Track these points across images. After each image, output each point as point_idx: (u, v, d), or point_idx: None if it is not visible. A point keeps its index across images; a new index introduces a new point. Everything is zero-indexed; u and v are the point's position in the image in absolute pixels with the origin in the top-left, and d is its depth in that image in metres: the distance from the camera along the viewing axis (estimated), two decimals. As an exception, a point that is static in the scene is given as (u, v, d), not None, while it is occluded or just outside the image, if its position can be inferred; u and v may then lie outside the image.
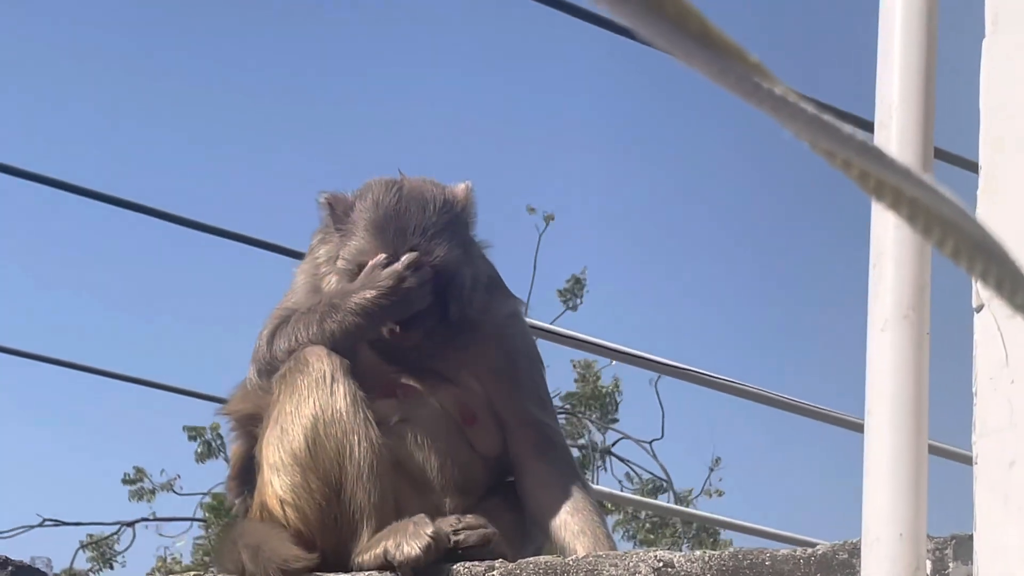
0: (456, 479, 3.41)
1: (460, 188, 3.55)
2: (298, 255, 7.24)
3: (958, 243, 0.83)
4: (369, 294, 3.35)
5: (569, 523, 3.41)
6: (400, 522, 3.23)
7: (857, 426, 6.60)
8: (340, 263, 3.49)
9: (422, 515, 3.22)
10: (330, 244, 3.56)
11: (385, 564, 3.19)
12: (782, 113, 0.78)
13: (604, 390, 16.92)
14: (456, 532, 3.24)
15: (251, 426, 3.50)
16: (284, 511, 3.31)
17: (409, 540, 3.15)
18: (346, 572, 3.27)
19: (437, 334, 3.45)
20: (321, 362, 3.36)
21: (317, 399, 3.33)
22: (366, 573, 3.23)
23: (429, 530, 3.16)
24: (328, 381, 3.34)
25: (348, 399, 3.33)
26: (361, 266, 3.44)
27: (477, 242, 3.61)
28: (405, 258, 3.38)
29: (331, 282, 3.50)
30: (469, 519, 3.28)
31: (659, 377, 14.71)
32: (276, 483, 3.33)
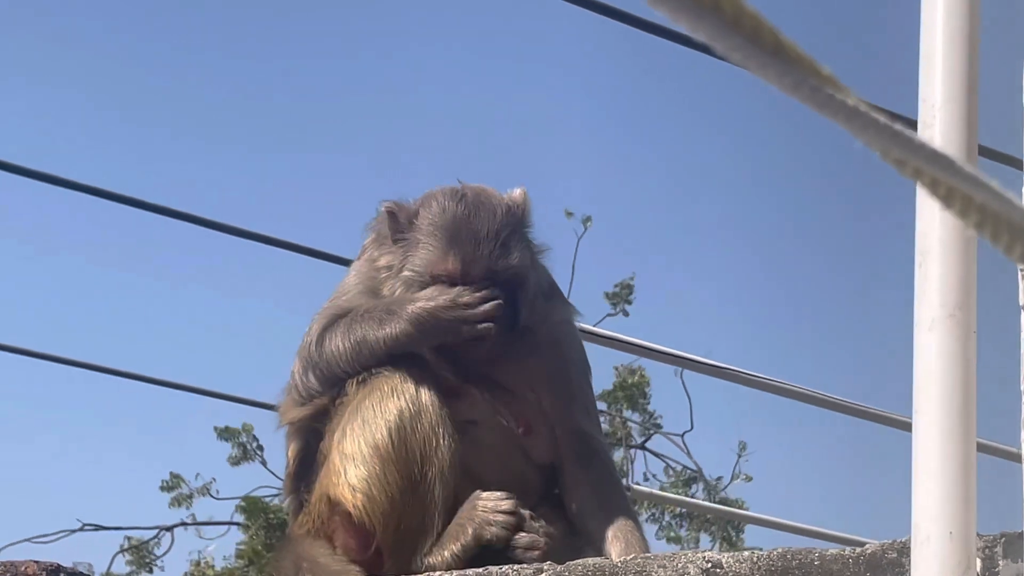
0: (513, 484, 3.43)
1: (517, 194, 3.56)
2: (328, 257, 7.30)
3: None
4: (442, 312, 3.36)
5: (605, 529, 3.45)
6: (472, 510, 3.32)
7: (902, 424, 6.60)
8: (408, 272, 3.48)
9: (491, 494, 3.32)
10: (391, 252, 3.54)
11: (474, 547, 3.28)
12: (855, 124, 0.79)
13: (632, 382, 16.97)
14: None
15: (309, 427, 3.54)
16: (354, 498, 3.34)
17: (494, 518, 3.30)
18: (405, 569, 3.31)
19: (504, 341, 3.47)
20: (404, 360, 3.40)
21: (403, 393, 3.37)
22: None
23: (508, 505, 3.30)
24: (413, 378, 3.39)
25: (433, 395, 3.38)
26: (433, 276, 3.44)
27: (536, 247, 3.62)
28: (487, 306, 3.38)
29: (395, 289, 3.49)
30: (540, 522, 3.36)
31: (683, 369, 14.73)
32: (351, 472, 3.36)
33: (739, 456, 17.56)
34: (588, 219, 16.80)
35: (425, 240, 3.46)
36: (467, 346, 3.44)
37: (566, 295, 3.90)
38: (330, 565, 3.33)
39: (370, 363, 3.41)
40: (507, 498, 3.32)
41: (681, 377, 16.51)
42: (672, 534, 16.77)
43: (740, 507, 15.78)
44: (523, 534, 3.32)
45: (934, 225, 2.42)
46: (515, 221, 3.49)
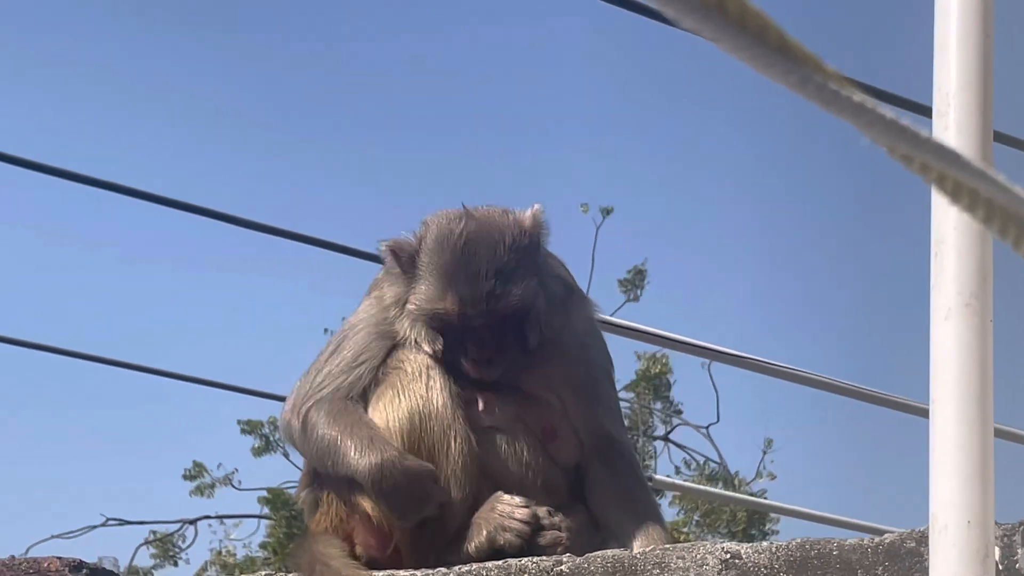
0: (537, 488, 3.43)
1: (528, 215, 3.48)
2: (352, 252, 7.31)
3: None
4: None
5: (627, 523, 3.45)
6: (489, 511, 3.33)
7: (919, 410, 6.59)
8: (412, 307, 3.45)
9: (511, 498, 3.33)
10: (397, 286, 3.51)
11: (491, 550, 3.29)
12: (861, 120, 0.79)
13: (655, 372, 16.94)
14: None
15: None
16: (372, 495, 3.34)
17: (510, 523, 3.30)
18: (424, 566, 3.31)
19: (518, 364, 3.47)
20: (417, 359, 3.40)
21: (415, 396, 3.38)
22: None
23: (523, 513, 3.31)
24: (424, 377, 3.39)
25: (446, 395, 3.38)
26: (435, 314, 3.42)
27: (547, 258, 3.56)
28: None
29: (404, 326, 3.47)
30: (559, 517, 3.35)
31: (711, 362, 14.71)
32: None
33: (764, 453, 17.52)
34: (609, 209, 16.80)
35: (424, 276, 3.44)
36: (484, 373, 3.44)
37: (586, 288, 3.87)
38: (343, 570, 3.32)
39: (335, 471, 3.41)
40: (524, 505, 3.31)
41: (708, 369, 16.52)
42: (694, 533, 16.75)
43: (762, 497, 15.75)
44: (545, 533, 3.31)
45: (950, 214, 2.41)
46: (521, 246, 3.42)
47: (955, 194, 0.83)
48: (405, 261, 3.48)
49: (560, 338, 3.54)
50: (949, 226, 2.41)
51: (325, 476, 3.53)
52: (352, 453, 3.32)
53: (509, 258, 3.40)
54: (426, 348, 3.44)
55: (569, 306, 3.60)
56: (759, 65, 0.75)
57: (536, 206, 3.51)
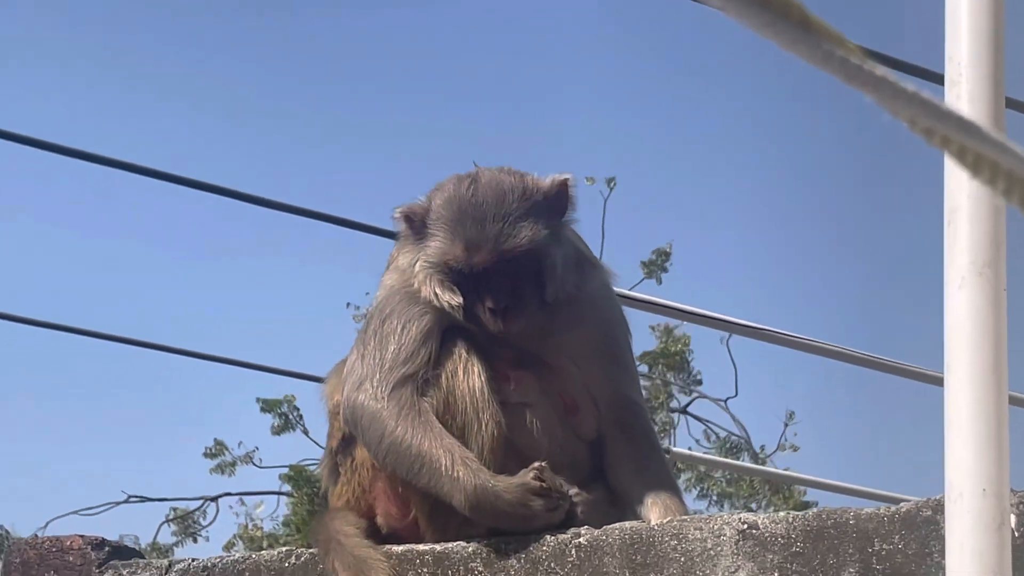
0: (563, 463, 3.44)
1: (549, 178, 3.50)
2: (371, 230, 7.32)
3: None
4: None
5: (644, 494, 3.46)
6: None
7: (936, 379, 6.59)
8: (423, 263, 3.45)
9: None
10: (410, 250, 3.51)
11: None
12: (883, 94, 0.80)
13: (674, 348, 16.94)
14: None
15: None
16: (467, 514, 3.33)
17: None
18: (442, 538, 3.33)
19: (537, 319, 3.46)
20: (456, 342, 3.41)
21: (449, 375, 3.39)
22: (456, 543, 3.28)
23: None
24: (462, 359, 3.40)
25: (478, 379, 3.39)
26: (446, 264, 3.42)
27: (566, 223, 3.57)
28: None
29: (420, 282, 3.48)
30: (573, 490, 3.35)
31: (730, 335, 14.72)
32: None
33: (786, 425, 17.51)
34: (612, 180, 16.79)
35: (434, 230, 3.44)
36: (505, 326, 3.39)
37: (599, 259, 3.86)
38: (355, 550, 3.33)
39: (415, 480, 3.37)
40: (542, 478, 3.27)
41: (727, 344, 16.52)
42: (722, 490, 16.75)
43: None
44: (563, 505, 3.30)
45: (963, 183, 2.42)
46: (531, 201, 3.43)
47: (975, 167, 0.85)
48: (417, 224, 3.49)
49: (577, 302, 3.53)
50: (963, 195, 2.42)
51: (347, 446, 3.54)
52: (444, 473, 3.29)
53: (518, 206, 3.41)
54: (445, 301, 3.44)
55: (584, 271, 3.59)
56: (784, 41, 0.77)
57: (566, 175, 3.54)
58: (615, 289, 3.83)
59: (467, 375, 3.40)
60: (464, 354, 3.42)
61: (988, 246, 2.40)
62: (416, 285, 3.47)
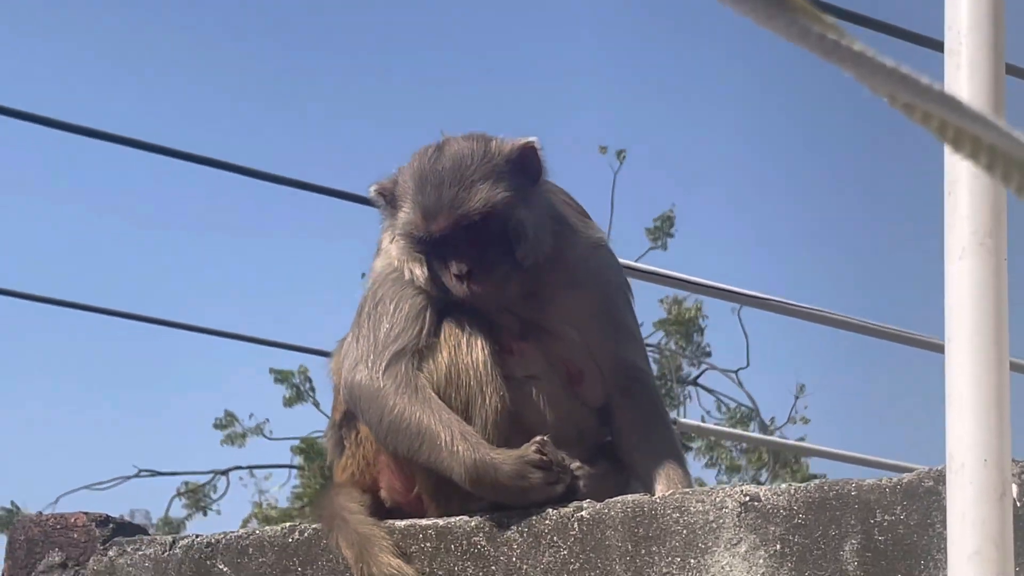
0: (570, 436, 3.43)
1: (511, 141, 3.46)
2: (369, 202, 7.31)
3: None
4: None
5: (648, 464, 3.45)
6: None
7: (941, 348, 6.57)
8: (396, 241, 3.45)
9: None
10: (390, 231, 3.51)
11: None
12: (862, 69, 0.79)
13: (688, 315, 16.93)
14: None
15: None
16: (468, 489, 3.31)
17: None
18: (446, 512, 3.33)
19: (514, 282, 3.45)
20: (458, 316, 3.40)
21: (453, 348, 3.38)
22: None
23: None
24: (465, 333, 3.39)
25: (482, 352, 3.38)
26: (409, 234, 3.40)
27: (542, 186, 3.51)
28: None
29: (402, 260, 3.45)
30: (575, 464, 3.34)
31: (741, 307, 14.72)
32: None
33: (796, 398, 17.50)
34: (622, 152, 16.77)
35: (401, 202, 3.44)
36: (476, 290, 3.36)
37: (607, 232, 3.82)
38: (358, 527, 3.33)
39: (415, 457, 3.36)
40: (544, 452, 3.25)
41: (739, 314, 16.52)
42: (730, 463, 16.77)
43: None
44: (564, 479, 3.29)
45: (963, 154, 2.41)
46: (493, 163, 3.40)
47: (957, 142, 0.84)
48: (389, 198, 3.49)
49: (566, 263, 3.50)
50: (962, 166, 2.41)
51: (351, 420, 3.54)
52: (443, 448, 3.28)
53: (477, 171, 3.39)
54: (415, 273, 3.43)
55: (570, 231, 3.55)
56: (760, 18, 0.76)
57: (531, 138, 3.49)
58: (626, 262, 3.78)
59: (470, 349, 3.39)
60: (466, 328, 3.41)
61: (989, 216, 2.39)
62: (399, 264, 3.47)
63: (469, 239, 3.37)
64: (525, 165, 3.47)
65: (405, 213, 3.42)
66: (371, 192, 3.54)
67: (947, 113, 0.83)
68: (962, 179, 2.40)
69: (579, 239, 3.56)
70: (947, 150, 2.43)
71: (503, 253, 3.39)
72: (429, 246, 3.40)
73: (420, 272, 3.43)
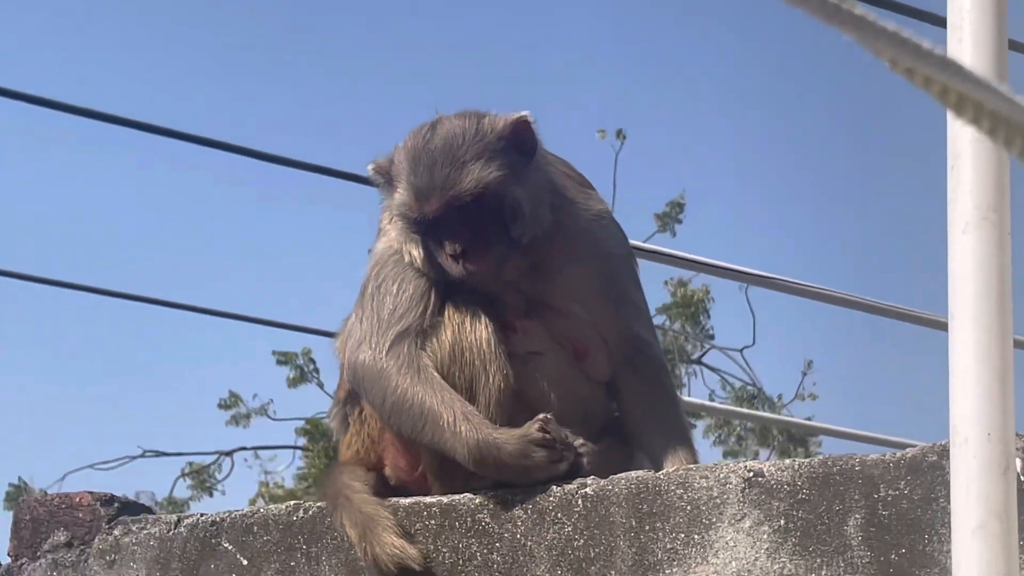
0: (576, 413, 3.43)
1: (503, 117, 3.44)
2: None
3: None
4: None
5: (653, 439, 3.45)
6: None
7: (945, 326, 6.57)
8: (395, 222, 3.45)
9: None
10: (388, 211, 3.50)
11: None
12: (864, 33, 0.79)
13: (695, 297, 16.92)
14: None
15: None
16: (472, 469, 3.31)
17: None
18: (450, 490, 3.33)
19: (514, 260, 3.42)
20: (463, 295, 3.39)
21: (457, 326, 3.38)
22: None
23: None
24: (469, 311, 3.39)
25: (485, 331, 3.37)
26: (404, 216, 3.39)
27: (537, 158, 3.48)
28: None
29: (402, 242, 3.46)
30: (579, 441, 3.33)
31: (748, 286, 14.71)
32: None
33: (804, 374, 17.49)
34: (621, 132, 16.74)
35: (396, 182, 3.43)
36: (471, 269, 3.34)
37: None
38: (362, 506, 3.33)
39: (418, 438, 3.36)
40: (547, 430, 3.24)
41: (746, 293, 16.52)
42: (732, 447, 16.79)
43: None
44: (567, 456, 3.28)
45: (966, 128, 2.40)
46: (485, 141, 3.38)
47: (959, 107, 0.83)
48: (386, 178, 3.48)
49: (567, 235, 3.48)
50: (965, 140, 2.40)
51: (355, 397, 3.54)
52: (446, 428, 3.27)
53: (468, 150, 3.36)
54: (413, 255, 3.43)
55: (575, 202, 3.53)
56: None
57: (524, 112, 3.47)
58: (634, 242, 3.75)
59: (473, 327, 3.38)
60: (470, 306, 3.41)
61: (992, 191, 2.39)
62: (399, 246, 3.47)
63: (463, 219, 3.36)
64: (519, 140, 3.45)
65: (400, 194, 3.42)
66: (369, 171, 3.53)
67: (948, 78, 0.82)
68: (965, 153, 2.40)
69: (579, 211, 3.54)
70: (949, 118, 2.43)
71: (499, 232, 3.38)
72: (424, 227, 3.40)
73: (417, 253, 3.43)
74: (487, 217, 3.37)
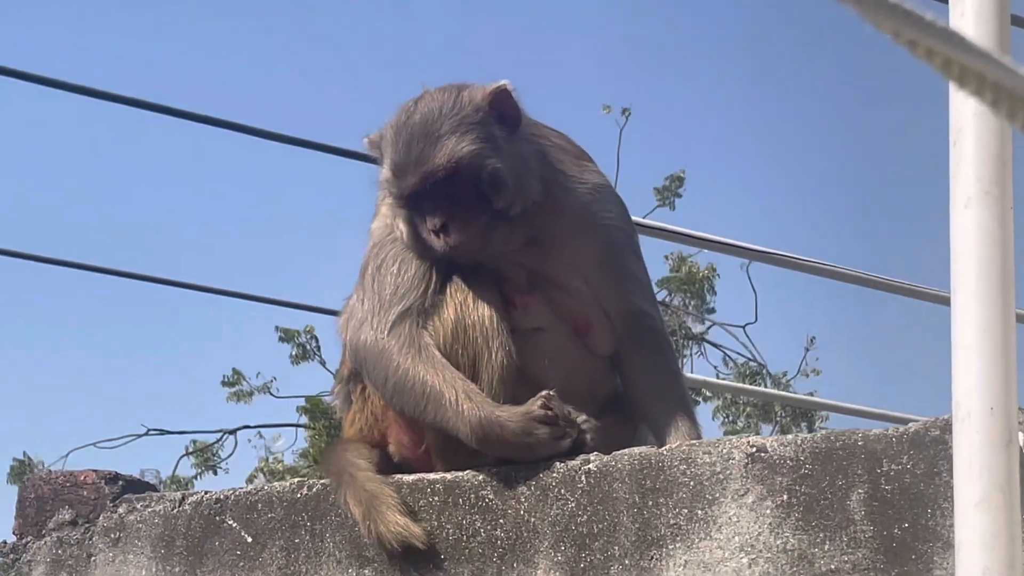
0: (579, 388, 3.43)
1: (481, 87, 3.43)
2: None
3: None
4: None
5: (657, 415, 3.45)
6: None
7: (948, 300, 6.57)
8: (382, 197, 3.47)
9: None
10: (380, 187, 3.52)
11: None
12: (866, 5, 0.79)
13: (699, 275, 16.91)
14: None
15: None
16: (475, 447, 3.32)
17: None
18: (452, 467, 3.34)
19: (502, 232, 3.40)
20: (464, 272, 3.39)
21: (459, 304, 3.38)
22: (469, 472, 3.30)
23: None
24: (471, 288, 3.38)
25: (487, 307, 3.37)
26: (388, 191, 3.40)
27: (522, 129, 3.46)
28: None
29: (389, 213, 3.47)
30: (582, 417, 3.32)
31: (750, 262, 14.70)
32: None
33: (807, 350, 17.49)
34: (627, 111, 16.72)
35: (384, 158, 3.44)
36: (453, 242, 3.34)
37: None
38: (366, 484, 3.33)
39: (421, 416, 3.36)
40: (550, 406, 3.24)
41: (747, 270, 16.51)
42: (733, 428, 16.81)
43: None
44: (570, 432, 3.27)
45: (968, 102, 2.40)
46: (462, 114, 3.37)
47: (961, 79, 0.83)
48: (378, 153, 3.49)
49: (568, 210, 3.47)
50: (968, 114, 2.40)
51: (358, 375, 3.54)
52: (448, 407, 3.27)
53: (446, 124, 3.36)
54: (400, 230, 3.43)
55: (569, 174, 3.51)
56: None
57: (502, 81, 3.45)
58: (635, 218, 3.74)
59: (476, 305, 3.38)
60: (472, 284, 3.40)
61: (995, 165, 2.39)
62: (392, 224, 3.47)
63: (443, 193, 3.35)
64: (500, 111, 3.43)
65: (384, 171, 3.43)
66: (364, 144, 3.54)
67: (951, 50, 0.82)
68: (968, 128, 2.40)
69: (575, 183, 3.52)
70: (952, 92, 2.43)
71: (481, 204, 3.37)
72: (406, 202, 3.40)
73: (404, 229, 3.43)
74: (467, 190, 3.36)
